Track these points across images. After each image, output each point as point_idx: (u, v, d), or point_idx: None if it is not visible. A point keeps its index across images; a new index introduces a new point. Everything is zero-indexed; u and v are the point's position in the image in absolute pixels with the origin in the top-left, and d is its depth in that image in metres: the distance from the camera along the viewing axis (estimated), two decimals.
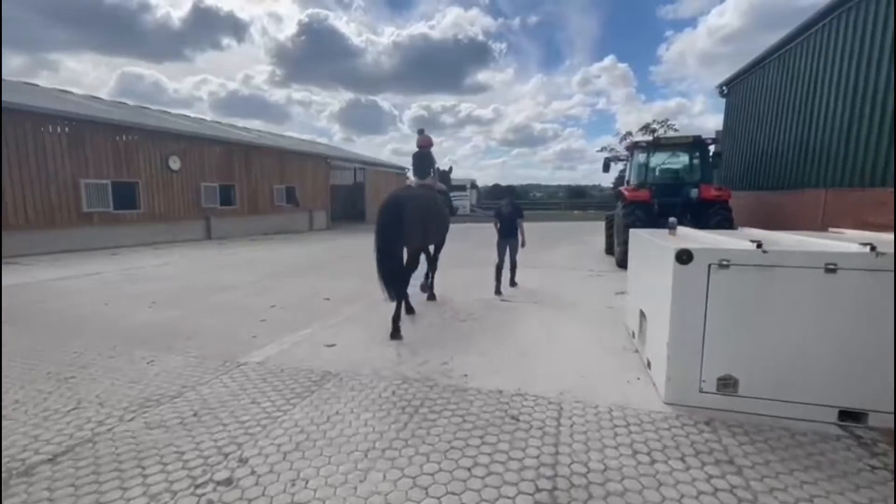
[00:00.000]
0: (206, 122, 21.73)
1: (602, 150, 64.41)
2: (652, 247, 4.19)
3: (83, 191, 12.69)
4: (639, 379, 3.87)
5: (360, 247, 15.01)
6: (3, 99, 10.75)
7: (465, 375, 3.96)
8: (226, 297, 7.15)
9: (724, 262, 3.15)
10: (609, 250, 12.10)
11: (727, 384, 3.26)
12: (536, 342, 4.87)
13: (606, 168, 11.47)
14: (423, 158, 6.81)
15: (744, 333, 3.18)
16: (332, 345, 4.82)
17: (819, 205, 8.02)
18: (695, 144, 9.45)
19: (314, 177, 22.53)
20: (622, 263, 9.69)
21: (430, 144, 6.94)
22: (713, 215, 9.03)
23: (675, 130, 63.93)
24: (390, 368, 4.15)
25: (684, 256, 3.21)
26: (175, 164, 15.19)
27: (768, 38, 67.19)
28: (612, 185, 65.24)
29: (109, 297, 7.14)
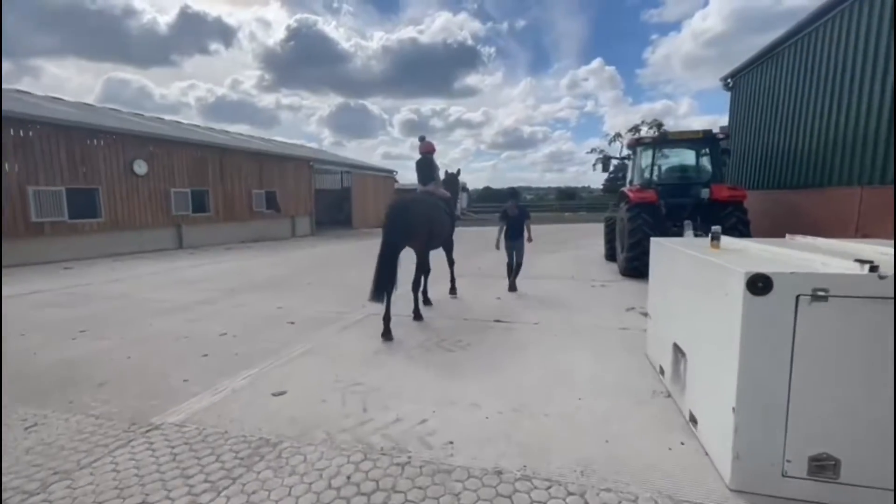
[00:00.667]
0: (182, 124, 20.52)
1: (591, 151, 63.87)
2: (691, 264, 3.22)
3: (31, 199, 11.47)
4: (683, 444, 2.87)
5: (343, 254, 13.93)
6: None
7: (450, 443, 2.93)
8: (170, 322, 6.05)
9: (821, 293, 2.16)
10: (610, 256, 11.17)
11: (824, 466, 2.27)
12: (542, 383, 3.86)
13: (606, 167, 10.55)
14: (426, 164, 6.72)
15: (848, 394, 2.20)
16: (282, 392, 3.77)
17: (851, 205, 7.13)
18: (705, 139, 8.55)
19: (296, 181, 21.41)
20: (627, 272, 8.76)
21: (433, 150, 6.83)
22: (727, 218, 8.12)
23: (664, 130, 64.14)
24: (350, 430, 3.11)
25: (760, 284, 2.22)
26: (141, 168, 14.00)
27: (751, 41, 68.27)
28: (602, 187, 64.87)
29: (33, 325, 6.01)
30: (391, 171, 31.60)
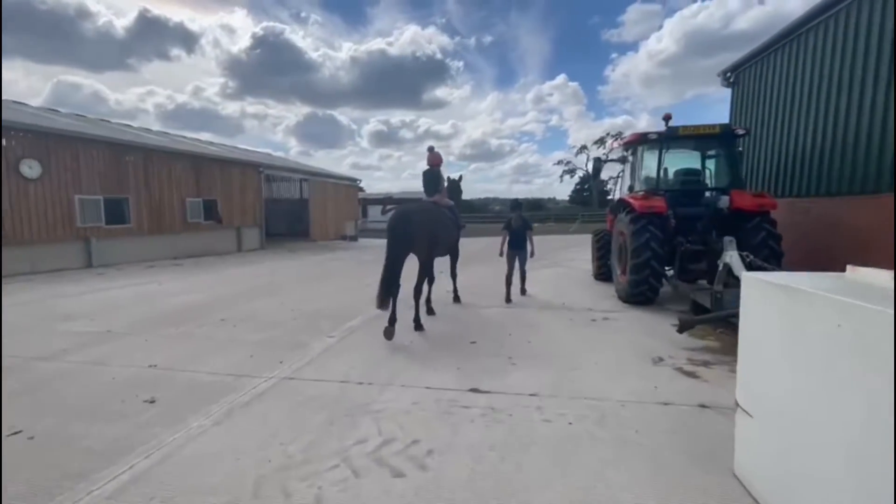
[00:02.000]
0: (89, 119, 17.64)
1: (558, 163, 63.74)
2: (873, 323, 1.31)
3: None
4: None
5: (288, 273, 11.64)
6: None
7: None
8: None
9: None
10: (602, 276, 9.42)
11: None
12: None
13: (597, 173, 8.83)
14: (433, 176, 6.70)
15: None
16: None
17: None
18: (723, 136, 6.93)
19: (243, 188, 18.89)
20: (632, 299, 6.99)
21: (440, 162, 6.82)
22: (753, 232, 6.49)
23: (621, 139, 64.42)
24: None
25: None
26: (32, 170, 11.31)
27: (701, 62, 69.77)
28: (568, 198, 64.32)
29: None
30: (355, 180, 29.36)
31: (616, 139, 57.13)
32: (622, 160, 8.66)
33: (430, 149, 6.80)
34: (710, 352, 4.85)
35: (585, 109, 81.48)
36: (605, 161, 8.83)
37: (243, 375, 4.31)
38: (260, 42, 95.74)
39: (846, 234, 6.48)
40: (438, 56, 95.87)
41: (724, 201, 6.77)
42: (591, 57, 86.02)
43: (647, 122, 72.29)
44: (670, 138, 7.06)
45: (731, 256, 4.69)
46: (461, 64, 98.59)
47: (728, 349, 4.89)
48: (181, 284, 10.06)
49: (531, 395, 3.77)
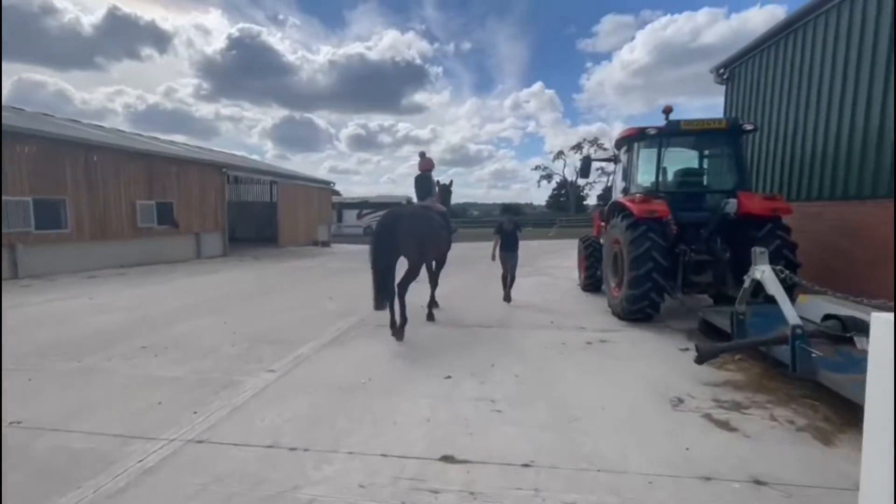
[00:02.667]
0: (24, 112, 15.93)
1: (536, 168, 63.57)
2: None
3: None
4: None
5: (246, 285, 10.33)
6: None
7: None
8: None
9: None
10: (590, 286, 8.54)
11: None
12: None
13: (586, 172, 7.95)
14: (425, 181, 6.72)
15: None
16: None
17: None
18: (730, 132, 6.12)
19: (204, 190, 17.41)
20: (630, 316, 6.10)
21: (432, 167, 6.85)
22: (765, 240, 5.68)
23: (605, 150, 64.58)
24: None
25: None
26: None
27: (671, 73, 71.11)
28: (545, 203, 63.84)
29: None
30: (328, 183, 28.01)
31: (592, 144, 57.17)
32: (614, 159, 7.80)
33: (422, 154, 6.81)
34: (735, 388, 3.95)
35: (562, 117, 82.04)
36: (594, 160, 7.96)
37: (135, 437, 3.16)
38: (236, 43, 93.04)
39: (867, 241, 5.73)
40: (418, 61, 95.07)
41: (731, 205, 5.94)
42: (567, 65, 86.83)
43: (620, 130, 72.84)
44: (671, 134, 6.22)
45: (764, 272, 3.81)
46: (440, 69, 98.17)
47: (756, 384, 4.00)
48: (115, 299, 8.69)
49: (524, 465, 2.75)
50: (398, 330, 5.51)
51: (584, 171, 7.99)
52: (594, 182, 60.23)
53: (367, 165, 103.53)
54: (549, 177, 61.09)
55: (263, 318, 6.97)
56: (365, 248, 22.63)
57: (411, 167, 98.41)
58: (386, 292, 5.51)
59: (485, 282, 10.07)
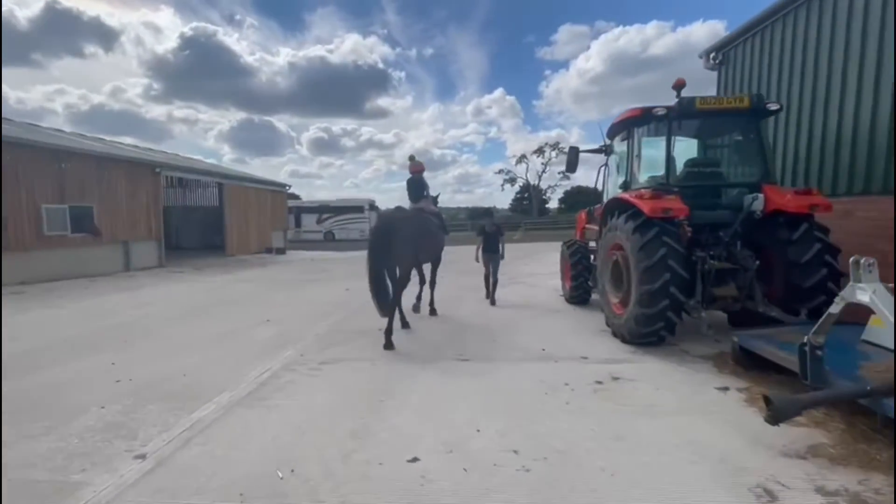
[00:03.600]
0: None
1: (499, 172, 63.13)
2: None
3: None
4: None
5: (174, 300, 8.32)
6: None
7: None
8: None
9: None
10: (577, 298, 7.31)
11: None
12: None
13: (573, 166, 6.71)
14: (416, 183, 6.71)
15: None
16: None
17: None
18: (753, 112, 4.99)
19: (132, 193, 15.11)
20: (638, 339, 4.86)
21: (422, 170, 6.84)
22: (801, 245, 4.60)
23: (565, 152, 65.24)
24: None
25: None
26: None
27: (624, 82, 72.97)
28: (508, 207, 63.09)
29: None
30: (283, 185, 25.85)
31: (554, 148, 57.09)
32: (604, 151, 6.59)
33: (412, 158, 6.84)
34: (831, 461, 2.70)
35: (522, 123, 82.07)
36: (583, 151, 6.72)
37: None
38: (189, 43, 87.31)
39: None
40: (381, 66, 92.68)
41: (759, 201, 4.81)
42: (527, 73, 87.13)
43: (577, 137, 73.95)
44: (683, 115, 5.03)
45: (875, 292, 2.59)
46: (403, 74, 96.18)
47: (851, 450, 2.78)
48: None
49: None
50: (390, 341, 5.25)
51: (572, 164, 6.74)
52: (556, 185, 60.83)
53: (329, 169, 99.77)
54: (512, 180, 60.72)
55: (170, 354, 5.25)
56: (324, 255, 20.55)
57: (375, 171, 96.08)
58: (386, 299, 5.41)
59: (461, 292, 8.66)
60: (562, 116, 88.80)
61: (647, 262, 4.59)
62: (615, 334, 5.34)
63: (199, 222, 24.66)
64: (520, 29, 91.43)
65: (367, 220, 33.63)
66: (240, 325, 6.69)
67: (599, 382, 4.03)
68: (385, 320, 5.32)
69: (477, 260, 7.90)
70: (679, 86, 4.97)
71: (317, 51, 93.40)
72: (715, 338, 4.64)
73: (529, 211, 56.49)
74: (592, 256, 7.10)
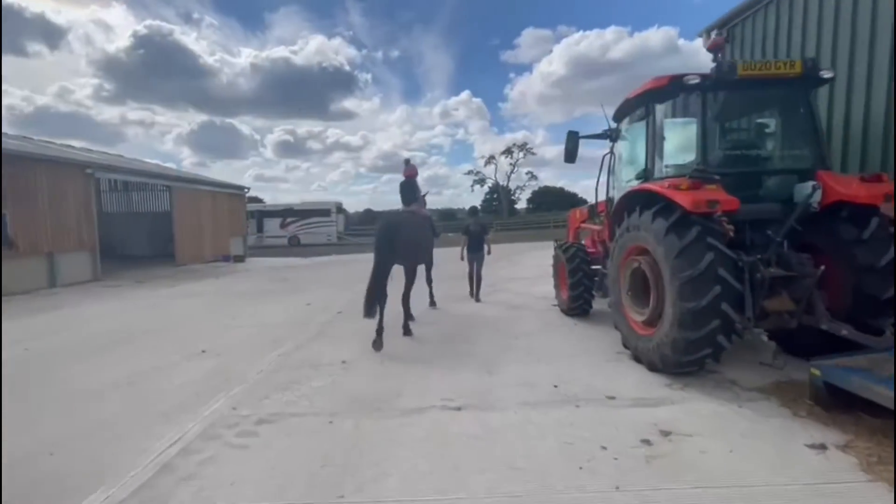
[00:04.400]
0: None
1: (468, 173, 62.32)
2: None
3: None
4: None
5: (95, 324, 6.58)
6: None
7: None
8: None
9: None
10: (577, 310, 6.22)
11: None
12: None
13: (573, 155, 5.58)
14: (409, 186, 6.77)
15: None
16: None
17: None
18: (805, 80, 3.98)
19: (58, 198, 13.02)
20: (676, 368, 3.77)
21: (416, 174, 6.95)
22: (873, 246, 3.63)
23: (534, 153, 64.89)
24: None
25: None
26: None
27: (585, 85, 73.96)
28: (471, 208, 61.42)
29: None
30: (241, 188, 23.81)
31: (521, 149, 56.62)
32: (609, 136, 5.49)
33: (406, 161, 6.98)
34: None
35: (489, 125, 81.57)
36: (585, 137, 5.61)
37: None
38: (144, 42, 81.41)
39: None
40: (346, 68, 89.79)
41: (816, 193, 3.80)
42: (492, 76, 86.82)
43: (542, 138, 74.21)
44: (721, 83, 3.97)
45: None
46: (369, 76, 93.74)
47: None
48: None
49: None
50: (379, 340, 5.19)
51: (571, 153, 5.62)
52: (524, 185, 60.54)
53: (295, 172, 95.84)
54: (481, 181, 60.04)
55: (49, 413, 3.74)
56: (286, 262, 18.77)
57: (343, 174, 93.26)
58: (377, 299, 5.30)
59: (443, 303, 7.39)
60: (527, 118, 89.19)
61: (689, 272, 3.50)
62: (639, 358, 4.24)
63: (149, 230, 22.32)
64: (484, 32, 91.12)
65: (334, 224, 31.88)
66: (165, 359, 5.19)
67: (647, 442, 2.88)
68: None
69: (462, 258, 7.90)
70: (718, 46, 3.91)
71: (280, 52, 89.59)
72: (777, 366, 3.60)
73: (499, 211, 55.89)
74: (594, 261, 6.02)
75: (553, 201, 55.21)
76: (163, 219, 21.62)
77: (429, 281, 7.35)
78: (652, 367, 4.05)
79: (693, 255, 3.52)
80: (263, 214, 32.39)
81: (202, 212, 19.73)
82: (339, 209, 33.29)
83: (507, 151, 58.47)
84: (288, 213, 32.27)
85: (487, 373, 4.28)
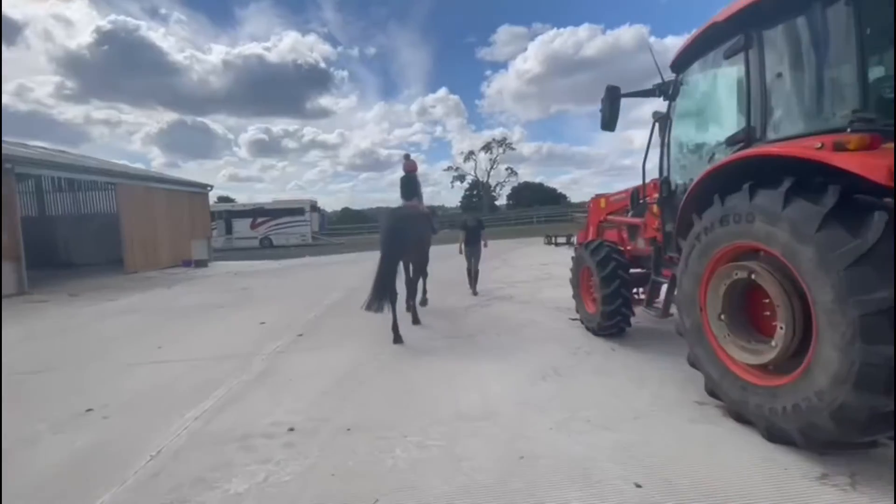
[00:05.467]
0: None
1: (447, 169, 60.63)
2: None
3: None
4: None
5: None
6: None
7: None
8: None
9: None
10: (611, 328, 4.66)
11: None
12: None
13: (612, 122, 3.99)
14: (410, 181, 6.74)
15: None
16: None
17: None
18: None
19: None
20: (848, 441, 2.11)
21: (415, 169, 6.90)
22: None
23: (513, 149, 63.68)
24: None
25: None
26: None
27: (560, 82, 72.99)
28: (458, 205, 60.40)
29: None
30: (204, 186, 21.52)
31: (501, 144, 55.33)
32: (666, 92, 3.90)
33: (406, 156, 6.91)
34: None
35: (466, 122, 79.88)
36: (625, 95, 4.01)
37: None
38: (108, 38, 75.84)
39: None
40: (322, 65, 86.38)
41: None
42: (469, 73, 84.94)
43: (519, 135, 73.12)
44: None
45: None
46: (345, 73, 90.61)
47: None
48: None
49: None
50: (397, 336, 5.10)
51: (610, 118, 4.02)
52: (504, 182, 59.25)
53: (271, 172, 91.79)
54: (461, 178, 58.54)
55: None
56: (252, 266, 16.53)
57: (320, 172, 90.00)
58: (392, 294, 5.07)
59: (436, 311, 5.72)
60: (503, 116, 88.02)
61: (880, 294, 1.94)
62: (741, 418, 2.69)
63: (97, 233, 19.82)
64: (460, 29, 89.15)
65: (309, 223, 29.73)
66: (20, 429, 3.36)
67: None
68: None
69: (460, 252, 8.00)
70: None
71: (253, 48, 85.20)
72: None
73: (479, 208, 54.51)
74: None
75: (533, 197, 54.50)
76: (115, 221, 19.20)
77: (424, 276, 6.91)
78: (776, 438, 2.50)
79: (886, 262, 1.97)
80: (232, 215, 30.00)
81: (157, 212, 17.46)
82: (314, 208, 31.13)
83: (487, 147, 57.18)
84: (258, 213, 29.97)
85: (518, 458, 2.63)
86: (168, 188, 18.52)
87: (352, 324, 5.87)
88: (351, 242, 29.66)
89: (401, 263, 5.58)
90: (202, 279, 14.23)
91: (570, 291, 5.50)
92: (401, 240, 5.34)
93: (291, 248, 26.92)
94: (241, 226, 29.63)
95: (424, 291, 6.91)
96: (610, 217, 5.40)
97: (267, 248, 27.92)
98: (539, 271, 10.44)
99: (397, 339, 5.02)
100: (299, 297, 8.82)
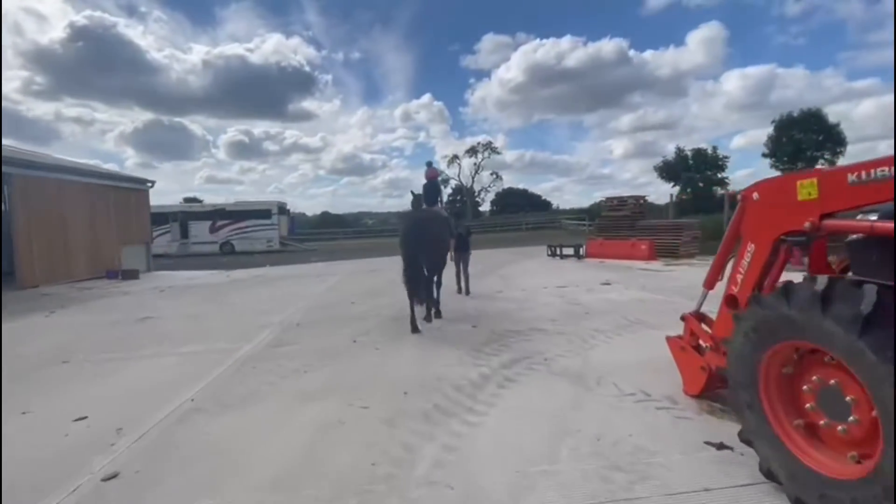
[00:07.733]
0: None
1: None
2: None
3: None
4: None
5: None
6: None
7: None
8: None
9: None
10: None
11: None
12: None
13: None
14: (433, 188, 7.10)
15: None
16: None
17: None
18: None
19: None
20: None
21: (437, 176, 7.49)
22: None
23: (499, 153, 61.27)
24: None
25: None
26: None
27: (542, 91, 71.28)
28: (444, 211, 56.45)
29: None
30: (143, 181, 17.75)
31: (486, 148, 52.72)
32: None
33: (429, 163, 7.40)
34: None
35: (450, 129, 77.33)
36: None
37: None
38: (82, 33, 69.51)
39: None
40: (306, 68, 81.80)
41: None
42: (453, 80, 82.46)
43: (502, 142, 70.80)
44: None
45: None
46: (329, 77, 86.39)
47: None
48: None
49: None
50: (429, 315, 5.81)
51: None
52: (488, 187, 56.62)
53: (251, 175, 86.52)
54: (444, 182, 55.66)
55: None
56: (194, 277, 12.35)
57: (301, 176, 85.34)
58: (419, 285, 5.48)
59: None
60: (486, 123, 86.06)
61: None
62: None
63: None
64: (444, 36, 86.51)
65: (276, 227, 26.01)
66: None
67: None
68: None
69: (451, 258, 7.36)
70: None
71: (235, 49, 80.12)
72: None
73: (463, 213, 51.69)
74: None
75: (517, 203, 52.40)
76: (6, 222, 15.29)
77: (438, 285, 6.52)
78: None
79: None
80: (189, 216, 26.05)
81: (72, 211, 13.71)
82: (283, 210, 27.47)
83: (472, 150, 54.73)
84: (219, 215, 26.11)
85: None
86: (89, 182, 14.76)
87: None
88: (324, 248, 26.17)
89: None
90: (118, 296, 10.68)
91: (645, 349, 2.51)
92: (419, 238, 5.54)
93: (256, 254, 23.30)
94: (199, 229, 25.72)
95: (438, 303, 6.42)
96: (860, 219, 2.20)
97: (228, 255, 24.18)
98: (560, 299, 7.40)
99: (429, 317, 5.75)
100: (209, 338, 5.57)
